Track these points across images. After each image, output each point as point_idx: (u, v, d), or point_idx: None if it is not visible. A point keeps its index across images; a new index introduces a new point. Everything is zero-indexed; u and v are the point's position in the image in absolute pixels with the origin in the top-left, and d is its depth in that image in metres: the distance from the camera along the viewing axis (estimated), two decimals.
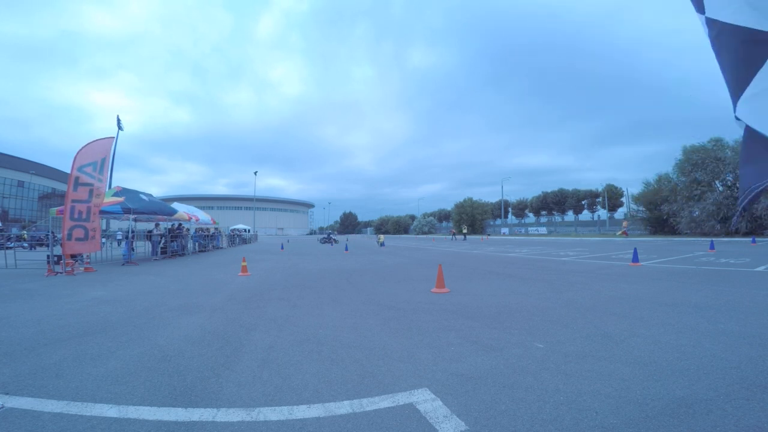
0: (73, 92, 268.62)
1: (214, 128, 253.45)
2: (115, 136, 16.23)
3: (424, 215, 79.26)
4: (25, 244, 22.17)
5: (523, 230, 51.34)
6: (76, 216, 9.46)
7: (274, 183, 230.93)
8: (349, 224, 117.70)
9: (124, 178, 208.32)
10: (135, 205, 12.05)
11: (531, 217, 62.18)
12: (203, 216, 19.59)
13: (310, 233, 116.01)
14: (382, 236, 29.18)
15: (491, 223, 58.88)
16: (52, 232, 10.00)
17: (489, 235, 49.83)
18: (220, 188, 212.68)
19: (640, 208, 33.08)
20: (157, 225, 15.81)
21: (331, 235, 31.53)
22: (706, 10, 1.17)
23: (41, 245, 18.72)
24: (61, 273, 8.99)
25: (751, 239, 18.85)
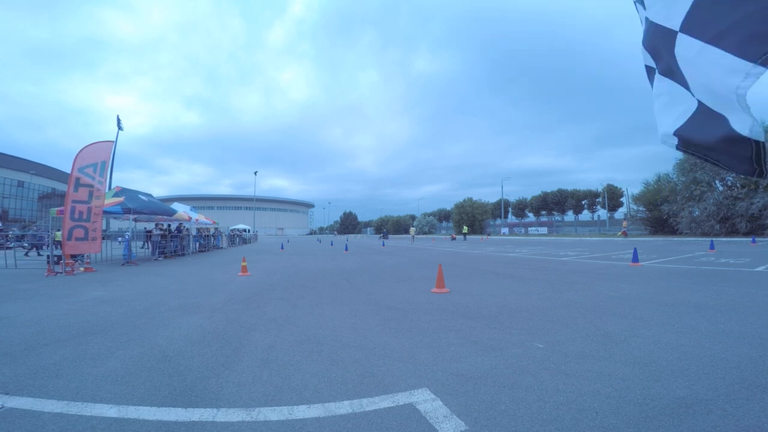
0: (89, 95, 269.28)
1: (223, 131, 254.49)
2: (114, 140, 16.23)
3: (424, 215, 79.15)
4: (26, 244, 22.10)
5: (523, 230, 51.32)
6: (76, 216, 9.45)
7: (278, 183, 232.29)
8: (349, 224, 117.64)
9: (130, 178, 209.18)
10: (135, 205, 12.06)
11: (531, 217, 62.09)
12: (201, 217, 19.57)
13: (310, 233, 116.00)
14: (413, 229, 28.13)
15: (491, 223, 58.83)
16: (52, 234, 10.00)
17: (489, 235, 49.83)
18: (223, 188, 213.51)
19: (640, 208, 33.08)
20: (158, 225, 15.81)
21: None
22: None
23: (42, 246, 18.68)
24: (61, 273, 8.99)
25: (751, 239, 18.85)
